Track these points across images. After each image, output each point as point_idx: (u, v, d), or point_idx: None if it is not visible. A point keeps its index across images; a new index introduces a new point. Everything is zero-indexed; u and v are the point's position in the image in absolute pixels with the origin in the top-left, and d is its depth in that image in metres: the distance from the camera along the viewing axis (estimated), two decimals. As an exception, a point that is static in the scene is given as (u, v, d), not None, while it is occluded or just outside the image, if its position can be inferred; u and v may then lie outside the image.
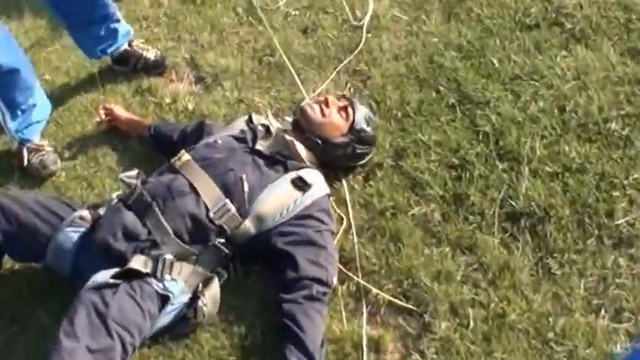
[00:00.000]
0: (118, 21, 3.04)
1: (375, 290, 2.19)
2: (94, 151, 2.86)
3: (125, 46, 3.11)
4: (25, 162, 2.80)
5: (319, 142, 2.39)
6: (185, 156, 2.33)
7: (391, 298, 2.16)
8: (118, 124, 2.85)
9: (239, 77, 3.00)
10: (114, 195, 2.34)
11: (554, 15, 2.85)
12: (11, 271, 2.47)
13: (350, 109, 2.45)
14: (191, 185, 2.23)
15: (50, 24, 3.48)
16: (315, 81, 2.89)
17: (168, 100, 2.95)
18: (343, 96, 2.54)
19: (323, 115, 2.41)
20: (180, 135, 2.62)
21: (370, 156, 2.50)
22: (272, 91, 2.90)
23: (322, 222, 2.24)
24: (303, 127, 2.43)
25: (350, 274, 2.24)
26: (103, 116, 2.84)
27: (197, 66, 3.11)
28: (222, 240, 2.21)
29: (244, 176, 2.24)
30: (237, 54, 3.12)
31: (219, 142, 2.40)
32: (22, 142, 2.85)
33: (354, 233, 2.33)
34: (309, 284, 2.11)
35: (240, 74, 3.01)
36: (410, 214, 2.34)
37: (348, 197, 2.43)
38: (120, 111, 2.85)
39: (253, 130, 2.45)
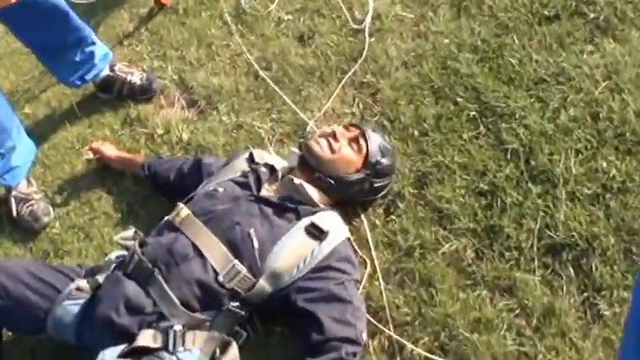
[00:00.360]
0: (93, 44, 2.84)
1: (409, 345, 2.02)
2: (87, 195, 2.69)
3: (107, 72, 2.90)
4: (15, 212, 2.63)
5: (331, 181, 2.21)
6: (184, 211, 2.15)
7: (428, 355, 2.01)
8: (108, 163, 2.65)
9: (235, 98, 2.80)
10: (112, 255, 2.19)
11: (574, 4, 2.61)
12: (13, 339, 2.33)
13: (362, 140, 2.26)
14: (194, 246, 2.06)
15: (25, 48, 3.23)
16: (318, 98, 2.69)
17: (160, 131, 2.76)
18: (352, 125, 2.33)
19: (332, 151, 2.23)
20: (177, 176, 2.45)
21: (390, 187, 2.29)
22: (273, 112, 2.70)
23: (344, 272, 2.08)
24: (311, 165, 2.24)
25: (381, 326, 2.09)
26: (91, 155, 2.63)
27: (187, 87, 2.91)
28: (237, 303, 2.05)
29: (252, 231, 2.07)
30: (230, 70, 2.91)
31: (220, 190, 2.23)
32: (7, 188, 2.65)
33: (381, 278, 2.17)
34: (338, 345, 1.96)
35: (235, 94, 2.81)
36: (440, 252, 2.18)
37: (369, 237, 2.25)
38: (109, 149, 2.66)
39: (256, 173, 2.27)
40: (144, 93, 2.90)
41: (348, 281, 2.08)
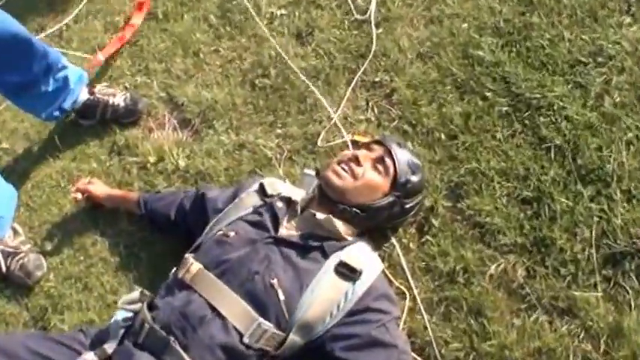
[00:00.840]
0: (64, 67, 2.72)
1: (465, 386, 1.92)
2: (79, 240, 2.58)
3: (86, 95, 2.76)
4: (4, 269, 2.51)
5: (357, 211, 2.09)
6: (194, 265, 2.02)
7: None
8: (99, 202, 2.52)
9: (232, 113, 2.69)
10: (118, 317, 2.07)
11: (604, -32, 2.46)
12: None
13: (388, 159, 2.13)
14: (211, 306, 1.93)
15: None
16: (325, 105, 2.53)
17: (153, 159, 2.64)
18: (374, 142, 2.21)
19: (355, 177, 2.10)
20: (179, 213, 2.34)
21: (421, 203, 2.18)
22: (277, 126, 2.58)
23: (384, 312, 1.98)
24: (332, 198, 2.11)
25: (430, 366, 1.96)
26: (80, 196, 2.51)
27: (177, 105, 2.79)
28: None
29: (275, 281, 1.94)
30: (223, 80, 2.79)
31: (232, 234, 2.09)
32: (-10, 243, 2.53)
33: (423, 310, 2.08)
34: None
35: (232, 108, 2.70)
36: (487, 274, 2.05)
37: (404, 264, 2.13)
38: (98, 187, 2.55)
39: (272, 209, 2.13)
40: (129, 115, 2.78)
41: (389, 321, 1.97)
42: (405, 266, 2.18)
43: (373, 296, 1.98)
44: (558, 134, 2.22)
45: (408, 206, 2.14)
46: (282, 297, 1.91)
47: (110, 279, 2.45)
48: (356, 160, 2.10)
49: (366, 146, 2.20)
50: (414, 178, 2.12)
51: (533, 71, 2.38)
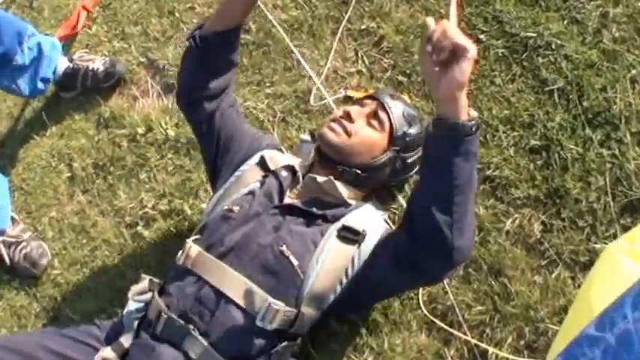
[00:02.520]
0: (33, 35, 2.33)
1: (492, 350, 1.65)
2: (80, 222, 2.25)
3: (66, 63, 2.34)
4: (7, 260, 2.17)
5: (358, 171, 1.77)
6: (193, 248, 1.71)
7: (515, 358, 1.62)
8: None
9: (217, 74, 2.22)
10: (132, 307, 1.75)
11: None
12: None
13: (382, 113, 1.80)
14: (217, 291, 1.63)
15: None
16: (314, 58, 2.16)
17: (141, 130, 2.27)
18: (367, 96, 1.87)
19: (348, 134, 1.77)
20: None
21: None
22: (265, 85, 2.18)
23: None
24: (331, 158, 1.79)
25: (455, 332, 1.70)
26: None
27: (159, 68, 2.38)
28: (284, 342, 1.66)
29: (285, 247, 1.65)
30: (203, 39, 2.31)
31: (237, 209, 1.77)
32: (-10, 235, 2.19)
33: (441, 273, 1.75)
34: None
35: (217, 69, 2.23)
36: (503, 231, 1.75)
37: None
38: None
39: (276, 178, 1.81)
40: (109, 78, 2.40)
41: None
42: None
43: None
44: (560, 76, 1.89)
45: (410, 160, 1.83)
46: (295, 262, 1.63)
47: (116, 262, 2.13)
48: (348, 116, 1.78)
49: (359, 102, 1.87)
50: (412, 130, 1.80)
51: (525, 8, 2.02)
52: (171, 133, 2.24)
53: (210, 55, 1.79)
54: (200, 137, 1.94)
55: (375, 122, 1.79)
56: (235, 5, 1.75)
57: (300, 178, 1.82)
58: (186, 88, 1.87)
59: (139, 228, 2.15)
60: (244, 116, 2.02)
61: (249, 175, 1.86)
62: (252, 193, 1.81)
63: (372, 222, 1.74)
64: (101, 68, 2.41)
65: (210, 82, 1.83)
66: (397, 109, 1.80)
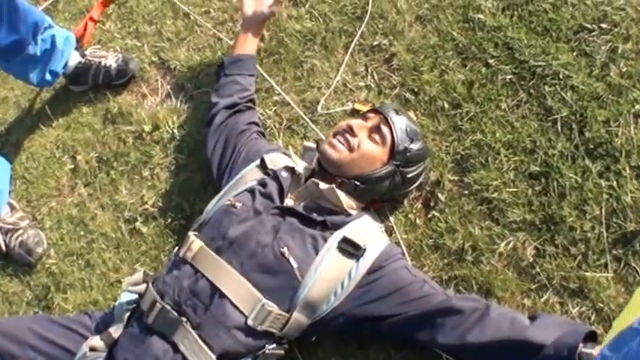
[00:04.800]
0: (50, 27, 2.44)
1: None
2: (79, 214, 2.35)
3: (77, 59, 2.46)
4: (3, 246, 2.28)
5: (357, 183, 1.88)
6: (196, 242, 1.83)
7: None
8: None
9: (227, 78, 2.35)
10: (123, 299, 1.87)
11: None
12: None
13: (384, 127, 1.91)
14: (214, 286, 1.74)
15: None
16: (324, 70, 2.29)
17: (148, 128, 2.39)
18: (371, 110, 1.99)
19: (350, 149, 1.89)
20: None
21: (427, 172, 2.00)
22: (274, 93, 2.30)
23: (398, 259, 1.84)
24: (330, 171, 1.90)
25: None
26: None
27: (170, 69, 2.51)
28: (273, 344, 1.77)
29: (286, 250, 1.76)
30: (215, 43, 2.50)
31: (239, 205, 1.89)
32: (-12, 220, 2.29)
33: (433, 289, 1.85)
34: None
35: (227, 74, 2.36)
36: (496, 253, 1.86)
37: (399, 237, 1.96)
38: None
39: (277, 179, 1.93)
40: (121, 76, 2.52)
41: (406, 266, 1.83)
42: (404, 250, 1.96)
43: (383, 257, 1.80)
44: (564, 105, 2.00)
45: (410, 175, 1.94)
46: (294, 264, 1.74)
47: (112, 256, 2.23)
48: (350, 130, 1.89)
49: (362, 115, 1.99)
50: (414, 146, 1.91)
51: (536, 37, 2.13)
52: (178, 132, 2.36)
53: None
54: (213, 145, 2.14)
55: (376, 136, 1.91)
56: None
57: (302, 181, 1.92)
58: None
59: (137, 224, 2.26)
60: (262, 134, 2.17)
61: (249, 176, 1.99)
62: (251, 191, 1.93)
63: (373, 237, 1.84)
64: (114, 65, 2.53)
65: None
66: (400, 123, 1.92)
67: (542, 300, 1.83)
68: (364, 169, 1.89)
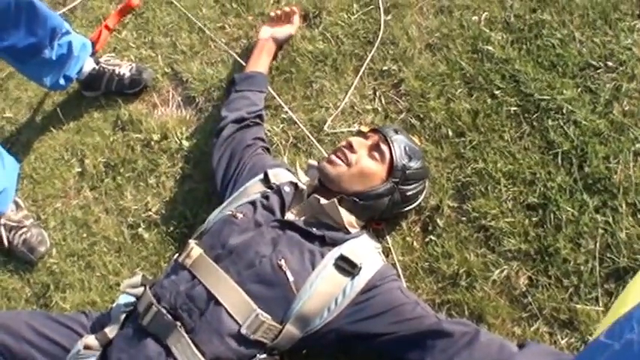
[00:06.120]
0: (67, 33, 2.52)
1: (465, 392, 1.80)
2: (83, 216, 2.42)
3: (92, 65, 2.55)
4: (6, 242, 2.35)
5: (356, 199, 1.95)
6: (195, 250, 1.89)
7: None
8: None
9: (237, 93, 2.44)
10: (121, 301, 1.92)
11: (618, -31, 2.27)
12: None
13: (383, 146, 1.98)
14: (210, 294, 1.80)
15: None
16: (333, 91, 2.37)
17: (156, 137, 2.47)
18: (371, 130, 2.06)
19: (349, 164, 1.96)
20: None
21: (425, 193, 2.07)
22: (282, 111, 2.38)
23: (392, 280, 1.89)
24: (330, 188, 1.98)
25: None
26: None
27: (182, 81, 2.59)
28: (264, 355, 1.82)
29: (283, 262, 1.82)
30: (228, 58, 2.58)
31: (240, 216, 1.95)
32: (-7, 216, 2.37)
33: (425, 311, 1.91)
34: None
35: (237, 89, 2.45)
36: (490, 280, 1.92)
37: (397, 265, 1.99)
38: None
39: (279, 192, 2.00)
40: (134, 85, 2.60)
41: (397, 289, 1.86)
42: (396, 261, 2.04)
43: (378, 278, 1.86)
44: (566, 139, 2.07)
45: (409, 193, 2.01)
46: (291, 277, 1.79)
47: (113, 259, 2.29)
48: (350, 147, 1.97)
49: (363, 134, 2.06)
50: (412, 164, 1.98)
51: (542, 71, 2.20)
52: (186, 143, 2.44)
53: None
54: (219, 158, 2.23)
55: (376, 153, 1.99)
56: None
57: (305, 196, 1.99)
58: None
59: (139, 229, 2.33)
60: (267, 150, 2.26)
61: (252, 189, 2.07)
62: (253, 203, 2.00)
63: (369, 256, 1.90)
64: (127, 74, 2.62)
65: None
66: (399, 142, 1.99)
67: (532, 329, 1.88)
68: (363, 185, 1.96)
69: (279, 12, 2.42)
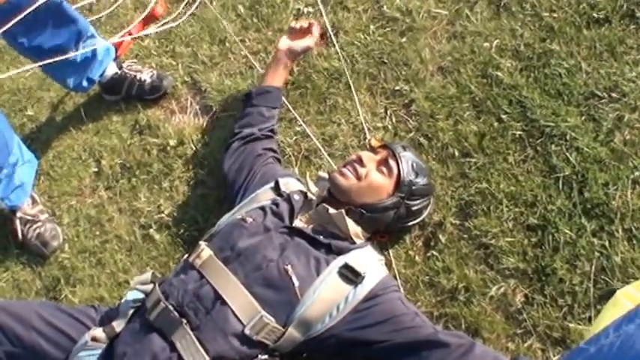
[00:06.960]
0: (92, 36, 2.62)
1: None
2: (97, 215, 2.52)
3: (114, 69, 2.65)
4: (20, 235, 2.45)
5: (363, 211, 2.04)
6: (205, 251, 1.98)
7: None
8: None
9: (253, 105, 2.54)
10: (129, 297, 2.02)
11: (625, 5, 2.38)
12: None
13: (392, 161, 2.08)
14: (217, 294, 1.88)
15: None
16: (345, 107, 2.46)
17: (173, 143, 2.57)
18: (381, 146, 2.15)
19: (358, 178, 2.06)
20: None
21: (430, 209, 2.16)
22: (296, 124, 2.48)
23: (393, 291, 1.98)
24: (339, 199, 2.07)
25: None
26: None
27: (200, 90, 2.70)
28: (265, 356, 1.90)
29: (290, 268, 1.90)
30: (247, 71, 2.69)
31: (250, 220, 2.04)
32: (11, 209, 2.46)
33: (423, 323, 1.99)
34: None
35: (254, 100, 2.56)
36: (487, 296, 2.01)
37: (395, 268, 2.08)
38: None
39: (289, 200, 2.09)
40: (154, 92, 2.71)
41: (397, 299, 1.95)
42: (397, 273, 2.13)
43: (380, 287, 1.94)
44: (568, 165, 2.16)
45: (414, 208, 2.10)
46: (296, 282, 1.88)
47: (123, 257, 2.39)
48: (360, 161, 2.07)
49: (372, 150, 2.16)
50: (419, 180, 2.07)
51: (548, 98, 2.30)
52: (200, 150, 2.54)
53: None
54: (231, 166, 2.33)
55: (384, 168, 2.09)
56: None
57: (314, 205, 2.09)
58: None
59: (151, 230, 2.43)
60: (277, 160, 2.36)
61: (263, 196, 2.16)
62: (263, 208, 2.09)
63: (373, 267, 1.99)
64: (148, 80, 2.73)
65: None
66: (406, 159, 2.09)
67: (526, 345, 1.96)
68: (371, 198, 2.06)
69: (299, 25, 2.50)
